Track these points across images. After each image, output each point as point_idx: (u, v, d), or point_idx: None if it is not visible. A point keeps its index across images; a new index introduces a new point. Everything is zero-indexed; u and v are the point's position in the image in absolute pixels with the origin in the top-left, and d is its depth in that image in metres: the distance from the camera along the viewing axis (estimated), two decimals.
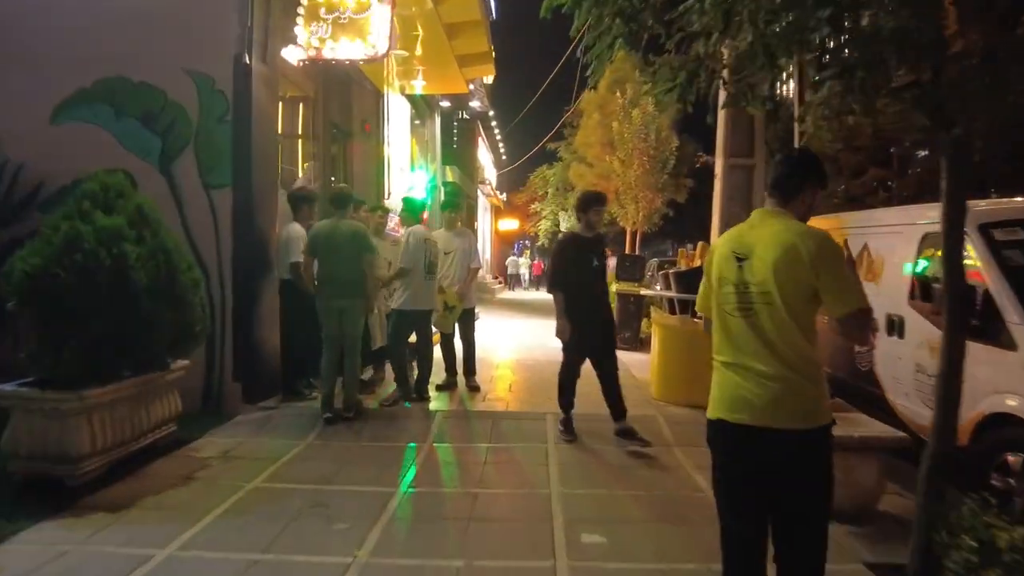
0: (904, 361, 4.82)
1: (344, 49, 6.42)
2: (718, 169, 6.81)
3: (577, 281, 4.91)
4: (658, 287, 14.82)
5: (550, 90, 22.27)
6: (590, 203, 5.06)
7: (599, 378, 5.05)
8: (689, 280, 6.26)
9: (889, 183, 25.78)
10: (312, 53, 6.40)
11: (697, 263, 6.43)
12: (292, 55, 6.35)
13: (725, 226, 6.69)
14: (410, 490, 4.02)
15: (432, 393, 6.24)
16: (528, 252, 36.58)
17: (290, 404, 5.86)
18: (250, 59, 5.82)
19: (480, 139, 24.97)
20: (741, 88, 3.32)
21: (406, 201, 6.31)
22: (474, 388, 6.52)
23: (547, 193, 26.77)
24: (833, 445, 2.06)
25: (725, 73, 3.26)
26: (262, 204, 6.03)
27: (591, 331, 4.97)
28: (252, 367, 5.83)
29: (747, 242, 2.13)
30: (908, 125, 21.87)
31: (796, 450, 2.00)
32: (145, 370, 4.38)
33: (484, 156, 26.93)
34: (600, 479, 4.27)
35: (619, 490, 4.05)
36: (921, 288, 4.73)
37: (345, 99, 10.83)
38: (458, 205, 6.62)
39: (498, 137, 29.01)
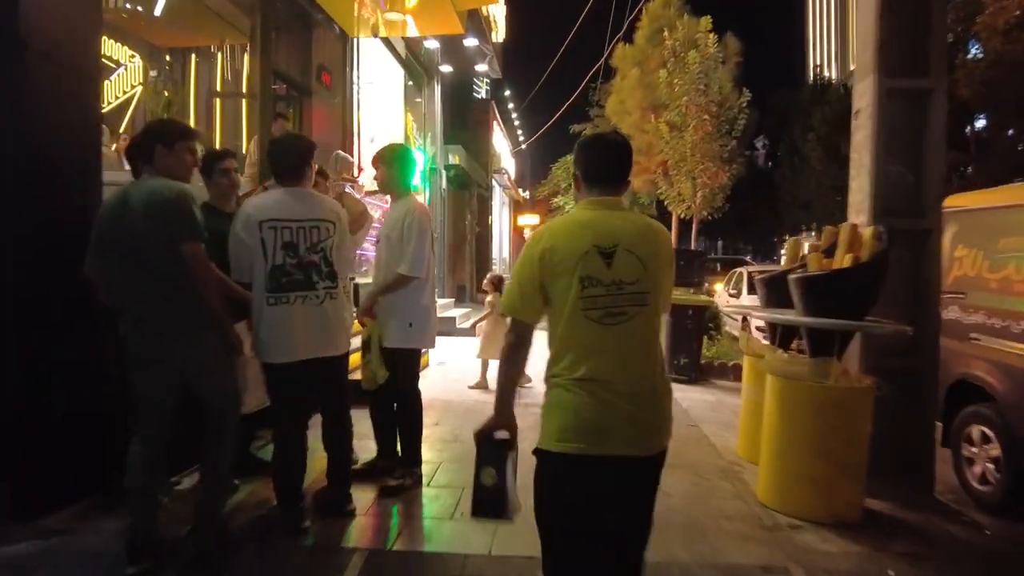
0: None
1: None
2: (864, 99, 3.98)
3: None
4: (731, 298, 11.66)
5: (572, 67, 19.45)
6: None
7: None
8: (826, 291, 3.44)
9: (965, 168, 22.30)
10: None
11: (833, 262, 3.58)
12: None
13: (881, 195, 3.88)
14: None
15: (360, 497, 3.52)
16: None
17: (102, 519, 3.20)
18: None
19: (495, 123, 22.25)
20: None
21: (272, 144, 3.35)
22: (396, 486, 3.59)
23: (571, 184, 23.99)
24: None
25: None
26: (57, 158, 3.37)
27: None
28: (30, 452, 3.19)
29: (608, 233, 1.78)
30: (996, 96, 18.59)
31: (654, 473, 1.84)
32: None
33: (501, 144, 24.21)
34: None
35: None
36: None
37: (300, 45, 8.20)
38: (397, 160, 3.61)
39: (515, 120, 26.28)
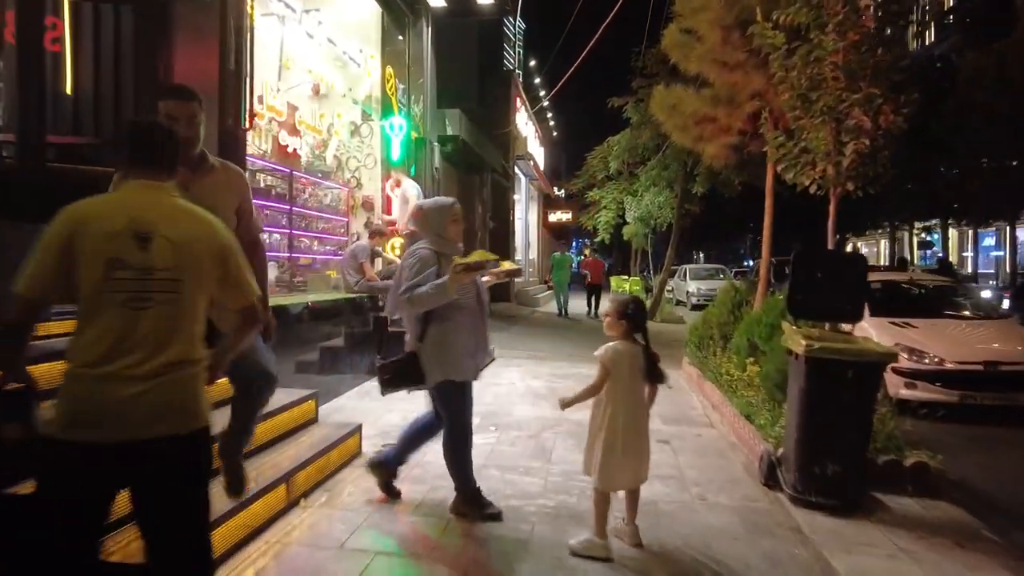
0: None
1: None
2: None
3: None
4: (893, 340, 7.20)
5: (611, 35, 15.91)
6: None
7: None
8: None
9: None
10: None
11: None
12: None
13: None
14: None
15: None
16: (589, 250, 30.20)
17: None
18: None
19: (519, 100, 18.87)
20: None
21: None
22: None
23: (608, 172, 20.26)
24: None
25: None
26: None
27: None
28: None
29: (147, 218, 1.74)
30: None
31: (180, 454, 1.76)
32: None
33: (527, 130, 20.82)
34: None
35: None
36: None
37: None
38: None
39: (542, 96, 22.87)
